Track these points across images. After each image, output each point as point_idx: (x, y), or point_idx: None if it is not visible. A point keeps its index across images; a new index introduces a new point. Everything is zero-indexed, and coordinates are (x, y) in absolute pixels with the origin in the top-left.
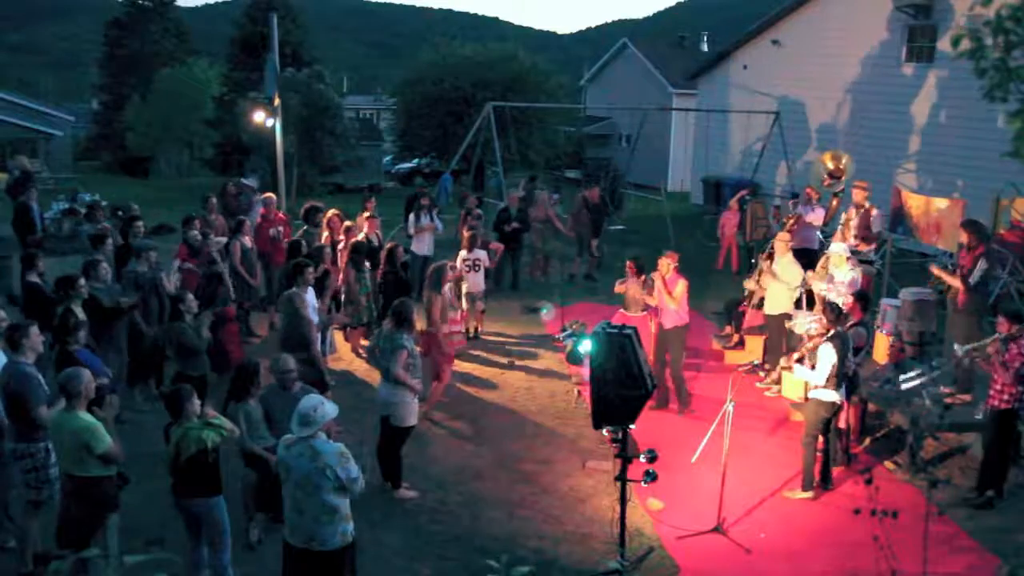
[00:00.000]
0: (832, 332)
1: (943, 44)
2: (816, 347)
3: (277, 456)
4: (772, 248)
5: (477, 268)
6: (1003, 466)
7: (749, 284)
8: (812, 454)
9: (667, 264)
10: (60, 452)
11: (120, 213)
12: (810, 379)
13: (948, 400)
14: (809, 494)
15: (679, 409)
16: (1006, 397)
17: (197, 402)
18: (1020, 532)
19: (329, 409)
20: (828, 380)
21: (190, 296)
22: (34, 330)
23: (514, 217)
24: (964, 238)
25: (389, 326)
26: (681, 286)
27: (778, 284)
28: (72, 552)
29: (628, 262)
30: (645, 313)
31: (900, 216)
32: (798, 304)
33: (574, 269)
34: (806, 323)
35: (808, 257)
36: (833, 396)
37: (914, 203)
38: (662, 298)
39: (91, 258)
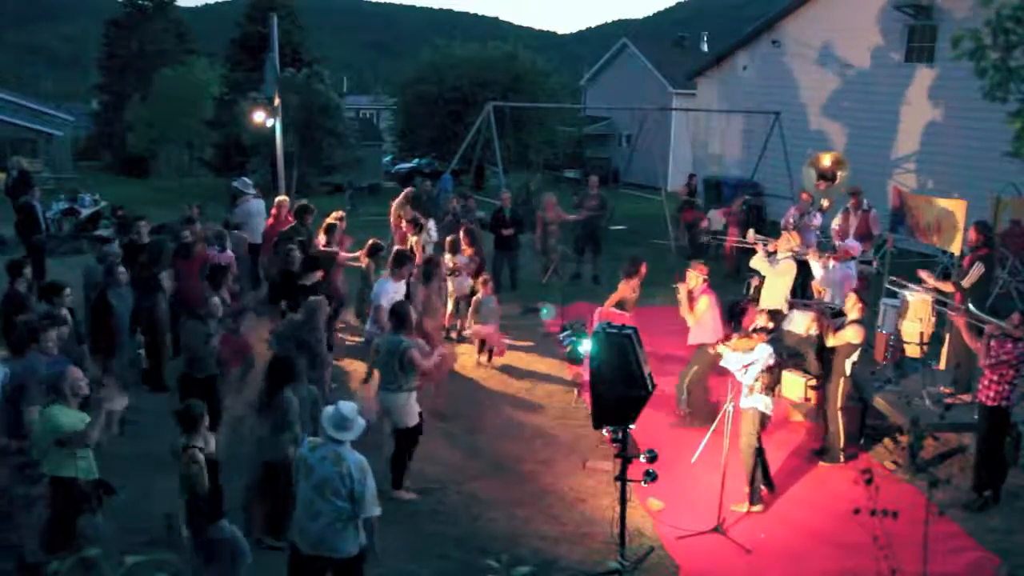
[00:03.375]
0: (773, 336)
1: (943, 44)
2: (751, 347)
3: (297, 456)
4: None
5: (458, 273)
6: (999, 465)
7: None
8: (754, 465)
9: (696, 276)
10: (41, 451)
11: (120, 213)
12: (738, 375)
13: (948, 400)
14: (758, 507)
15: (679, 420)
16: (992, 394)
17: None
18: (1020, 532)
19: (362, 423)
20: (767, 390)
21: (214, 299)
22: (53, 334)
23: (508, 217)
24: (972, 238)
25: (389, 327)
26: (704, 302)
27: (773, 282)
28: (65, 554)
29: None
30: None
31: (900, 216)
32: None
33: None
34: (804, 321)
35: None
36: (766, 405)
37: (914, 203)
38: (684, 313)
39: (110, 263)
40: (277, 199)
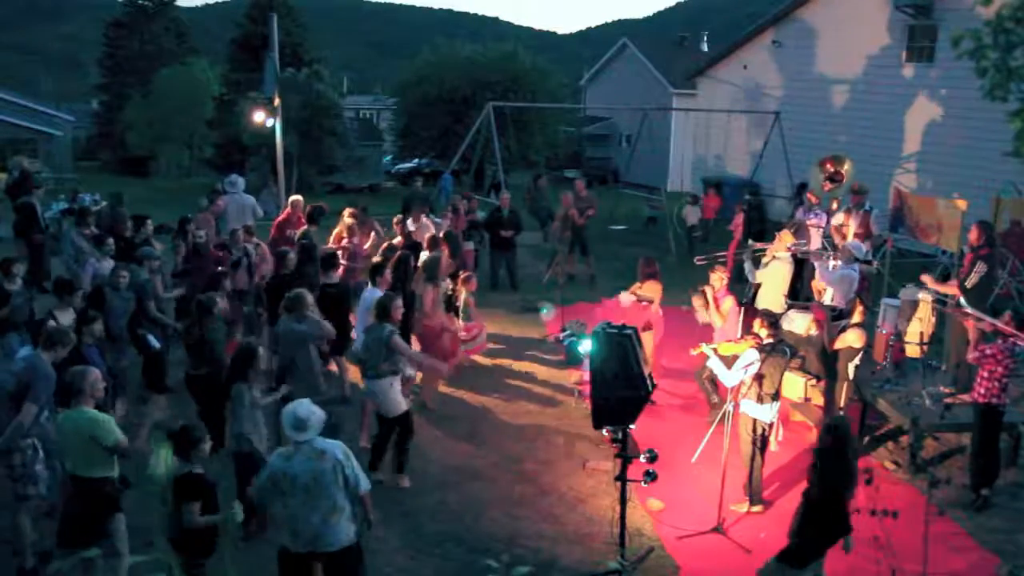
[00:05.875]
0: (771, 343)
1: (943, 44)
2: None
3: (272, 470)
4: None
5: None
6: (993, 462)
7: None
8: (753, 468)
9: (720, 278)
10: (66, 452)
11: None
12: (721, 376)
13: (948, 400)
14: (758, 508)
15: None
16: (982, 391)
17: (206, 445)
18: (1020, 532)
19: (321, 415)
20: (759, 397)
21: (219, 300)
22: (70, 338)
23: (507, 218)
24: (973, 237)
25: (373, 321)
26: (729, 302)
27: (766, 285)
28: (72, 551)
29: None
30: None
31: (900, 216)
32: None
33: (570, 268)
34: (804, 321)
35: (803, 258)
36: (760, 414)
37: (914, 203)
38: (712, 315)
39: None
40: (291, 198)
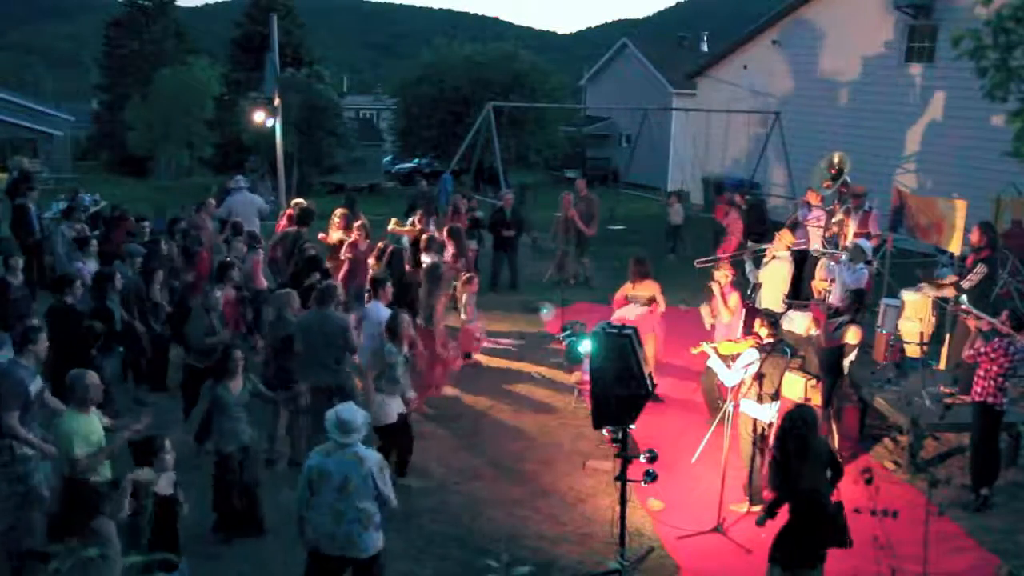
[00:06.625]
0: (771, 342)
1: (943, 44)
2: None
3: (309, 464)
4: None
5: None
6: (993, 462)
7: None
8: (753, 468)
9: (725, 275)
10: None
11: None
12: (721, 376)
13: (948, 400)
14: (758, 508)
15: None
16: (979, 389)
17: (170, 456)
18: (1020, 532)
19: (365, 418)
20: (759, 397)
21: (215, 293)
22: (42, 336)
23: (509, 218)
24: (974, 238)
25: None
26: (735, 297)
27: (767, 285)
28: (65, 548)
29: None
30: (647, 309)
31: (900, 216)
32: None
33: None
34: (804, 321)
35: (804, 257)
36: (759, 413)
37: (914, 203)
38: (718, 311)
39: (106, 270)
40: (293, 201)
